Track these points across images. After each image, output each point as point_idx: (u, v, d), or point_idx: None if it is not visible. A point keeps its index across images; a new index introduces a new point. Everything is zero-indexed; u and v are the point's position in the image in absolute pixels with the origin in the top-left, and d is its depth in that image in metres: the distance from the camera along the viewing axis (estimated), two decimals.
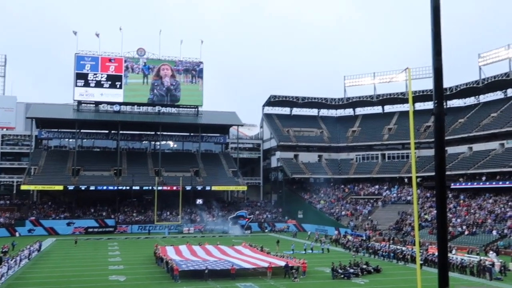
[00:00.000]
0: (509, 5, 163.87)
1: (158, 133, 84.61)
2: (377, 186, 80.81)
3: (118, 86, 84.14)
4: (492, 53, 73.74)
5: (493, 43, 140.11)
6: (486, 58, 74.60)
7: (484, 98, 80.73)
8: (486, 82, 74.79)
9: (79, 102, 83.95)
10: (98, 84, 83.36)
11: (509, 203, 58.86)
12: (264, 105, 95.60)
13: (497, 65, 73.71)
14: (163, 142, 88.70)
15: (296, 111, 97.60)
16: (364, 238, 58.87)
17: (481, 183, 64.16)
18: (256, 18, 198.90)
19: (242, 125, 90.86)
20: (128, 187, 76.20)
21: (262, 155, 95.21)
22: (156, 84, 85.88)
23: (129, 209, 77.99)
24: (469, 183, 65.60)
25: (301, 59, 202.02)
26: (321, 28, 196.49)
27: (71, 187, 74.30)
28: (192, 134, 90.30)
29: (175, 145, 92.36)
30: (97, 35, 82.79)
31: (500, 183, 61.21)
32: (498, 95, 78.33)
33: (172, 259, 37.66)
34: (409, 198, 71.94)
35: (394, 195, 76.54)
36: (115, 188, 75.86)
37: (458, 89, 78.82)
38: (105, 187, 75.48)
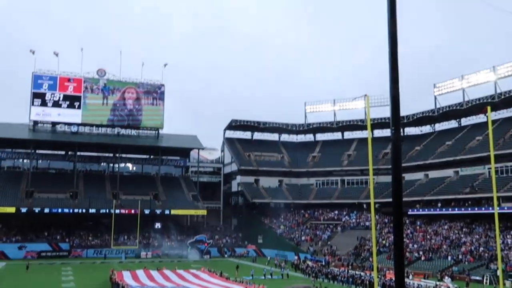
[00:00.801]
0: (462, 38, 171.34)
1: (117, 155, 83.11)
2: (336, 212, 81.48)
3: (76, 106, 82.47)
4: (447, 84, 76.25)
5: (448, 74, 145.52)
6: (441, 88, 77.06)
7: (440, 126, 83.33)
8: (441, 111, 77.14)
9: (35, 122, 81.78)
10: (56, 104, 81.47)
11: (464, 229, 60.42)
12: (225, 129, 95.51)
13: (452, 95, 76.10)
14: (122, 165, 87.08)
15: (258, 135, 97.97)
16: (323, 263, 59.06)
17: (437, 210, 65.68)
18: (218, 43, 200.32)
19: (203, 149, 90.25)
20: (84, 210, 74.14)
21: (223, 179, 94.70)
22: (118, 105, 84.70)
23: (84, 233, 75.74)
24: (426, 210, 67.05)
25: (263, 84, 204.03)
26: (283, 54, 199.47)
27: (24, 210, 71.68)
28: (152, 157, 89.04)
29: (134, 168, 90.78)
30: (56, 54, 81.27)
31: (456, 209, 62.81)
32: (452, 124, 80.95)
33: (128, 285, 36.74)
34: (367, 223, 72.82)
35: (353, 220, 77.36)
36: (71, 211, 73.64)
37: (415, 117, 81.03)
38: (60, 210, 73.17)
